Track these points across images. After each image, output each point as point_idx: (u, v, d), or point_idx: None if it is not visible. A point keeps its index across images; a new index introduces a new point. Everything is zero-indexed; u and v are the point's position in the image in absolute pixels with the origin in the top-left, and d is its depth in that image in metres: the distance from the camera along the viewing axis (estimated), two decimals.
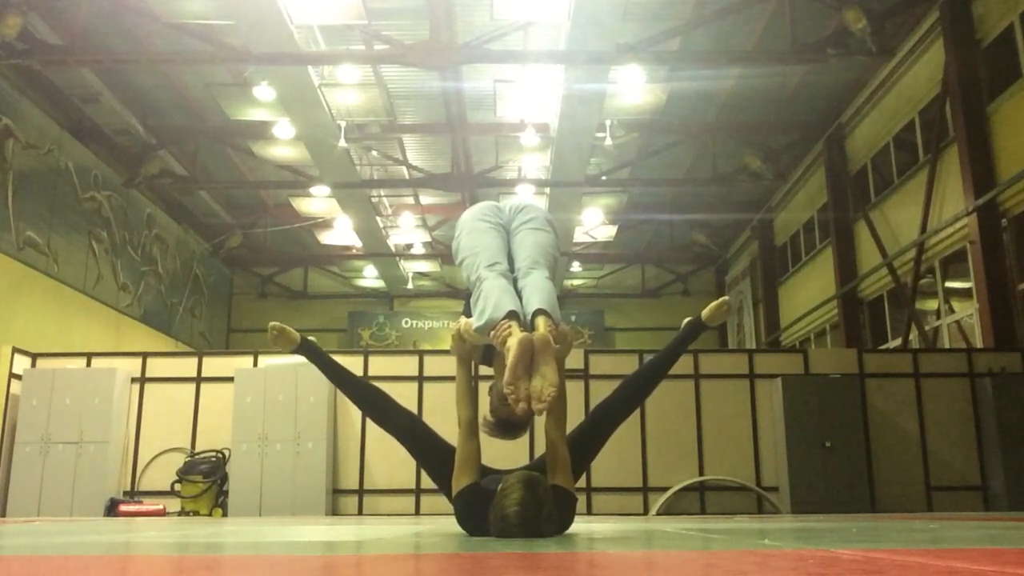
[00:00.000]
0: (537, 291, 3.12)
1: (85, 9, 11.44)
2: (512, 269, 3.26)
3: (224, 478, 10.39)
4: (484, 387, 3.58)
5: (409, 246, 21.05)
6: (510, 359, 2.88)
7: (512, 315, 2.99)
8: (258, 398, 10.42)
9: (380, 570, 1.97)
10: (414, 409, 10.71)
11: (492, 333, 3.02)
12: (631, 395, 3.76)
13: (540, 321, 3.00)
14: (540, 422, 3.40)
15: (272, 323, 3.65)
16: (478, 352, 3.51)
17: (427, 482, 10.40)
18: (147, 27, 12.26)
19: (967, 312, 11.92)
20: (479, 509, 3.25)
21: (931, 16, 11.90)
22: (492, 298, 3.08)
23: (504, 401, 3.20)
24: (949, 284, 12.61)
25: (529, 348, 2.89)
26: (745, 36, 12.58)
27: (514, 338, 2.91)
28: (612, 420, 3.67)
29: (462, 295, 3.95)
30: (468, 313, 3.51)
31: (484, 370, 3.78)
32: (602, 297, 23.69)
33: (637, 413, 10.64)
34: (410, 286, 23.30)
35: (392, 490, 10.56)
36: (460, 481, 3.37)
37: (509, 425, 3.31)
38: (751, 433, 10.66)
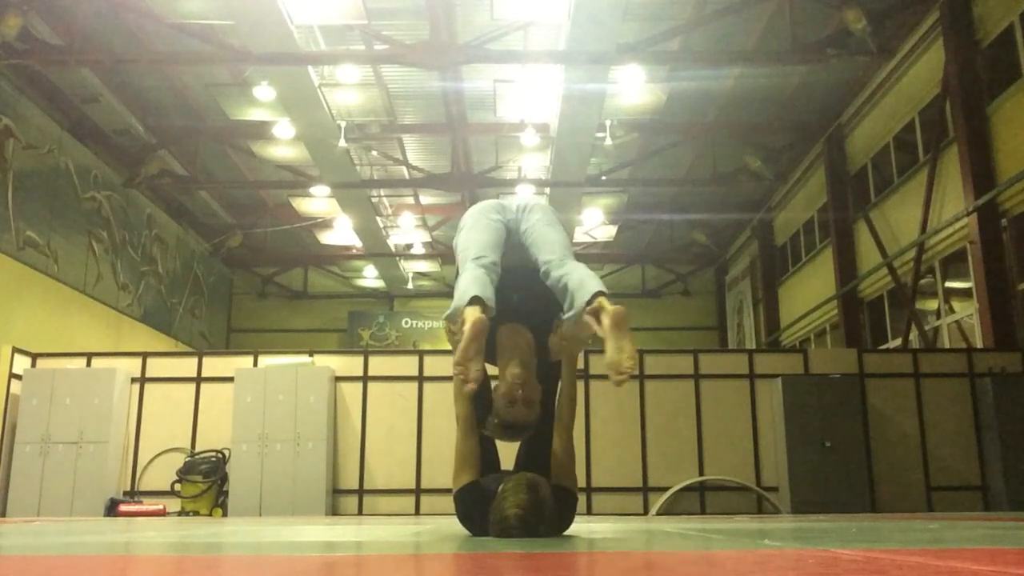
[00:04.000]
0: (589, 276, 3.11)
1: (85, 9, 11.44)
2: (497, 263, 3.23)
3: (224, 478, 10.39)
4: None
5: (409, 246, 21.05)
6: (463, 339, 2.88)
7: (475, 300, 2.99)
8: (258, 398, 10.42)
9: (380, 570, 1.97)
10: (414, 410, 10.71)
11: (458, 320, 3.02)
12: None
13: (605, 300, 3.00)
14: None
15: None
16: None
17: (427, 482, 10.43)
18: (147, 27, 12.26)
19: (967, 312, 11.92)
20: (479, 508, 3.25)
21: (931, 16, 11.90)
22: (461, 287, 3.08)
23: (510, 403, 3.19)
24: (949, 284, 12.61)
25: (483, 330, 2.89)
26: (745, 36, 12.58)
27: (468, 318, 2.91)
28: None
29: None
30: None
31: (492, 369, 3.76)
32: None
33: (637, 413, 10.65)
34: (410, 286, 23.30)
35: (392, 490, 10.56)
36: (460, 479, 3.37)
37: (512, 427, 3.30)
38: (751, 433, 10.66)
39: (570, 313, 3.08)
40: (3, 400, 10.42)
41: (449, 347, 3.62)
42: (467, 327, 2.90)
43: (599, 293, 3.01)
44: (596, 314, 2.97)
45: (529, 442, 3.47)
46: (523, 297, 3.44)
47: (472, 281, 3.08)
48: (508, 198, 3.98)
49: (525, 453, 3.54)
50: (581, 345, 3.47)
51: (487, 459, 3.51)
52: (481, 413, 3.38)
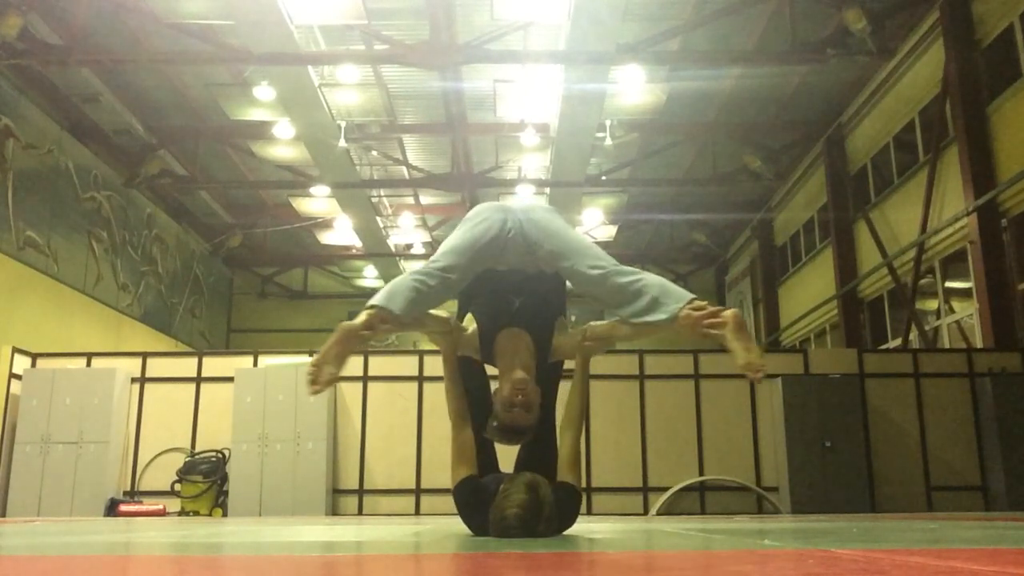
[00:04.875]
0: (669, 283, 3.20)
1: (85, 9, 11.43)
2: (450, 267, 3.25)
3: (224, 478, 10.39)
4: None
5: (409, 246, 21.04)
6: (328, 341, 2.97)
7: (371, 307, 3.06)
8: (258, 398, 10.42)
9: (380, 570, 1.98)
10: (414, 410, 10.70)
11: None
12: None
13: (702, 303, 3.08)
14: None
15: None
16: (470, 347, 3.52)
17: (427, 482, 10.42)
18: (147, 27, 12.25)
19: (967, 312, 11.91)
20: (477, 505, 3.27)
21: (931, 16, 11.90)
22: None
23: (510, 407, 3.22)
24: (949, 284, 12.61)
25: (349, 338, 2.97)
26: (745, 36, 12.57)
27: (344, 325, 3.02)
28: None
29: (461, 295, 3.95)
30: (460, 315, 3.59)
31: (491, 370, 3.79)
32: None
33: (637, 413, 10.65)
34: None
35: (392, 490, 10.56)
36: (457, 473, 3.41)
37: (511, 431, 3.32)
38: (751, 433, 10.66)
39: (657, 317, 3.11)
40: (3, 400, 10.42)
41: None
42: (334, 333, 2.98)
43: (695, 298, 3.11)
44: (699, 318, 3.03)
45: (529, 444, 3.48)
46: (523, 301, 3.46)
47: (388, 287, 3.14)
48: (509, 199, 4.03)
49: (525, 454, 3.55)
50: (605, 347, 3.54)
51: (486, 460, 3.52)
52: (481, 417, 3.40)
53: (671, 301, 3.10)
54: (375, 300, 3.07)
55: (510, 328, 3.42)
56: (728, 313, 3.02)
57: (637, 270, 3.26)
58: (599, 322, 3.56)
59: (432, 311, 3.45)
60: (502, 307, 3.45)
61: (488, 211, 3.49)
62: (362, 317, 3.03)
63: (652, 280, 3.19)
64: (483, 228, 3.37)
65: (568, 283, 3.55)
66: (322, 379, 2.93)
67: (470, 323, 3.52)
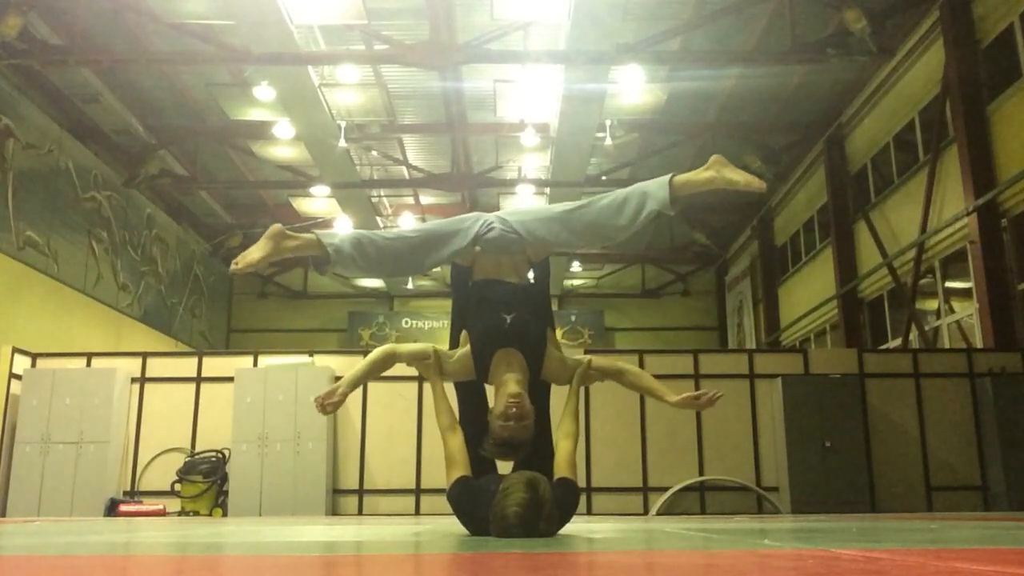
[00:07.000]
0: (646, 182, 3.52)
1: (85, 9, 11.43)
2: (408, 231, 3.69)
3: (224, 478, 10.39)
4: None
5: None
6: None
7: (312, 232, 3.55)
8: (258, 398, 10.42)
9: (380, 570, 1.98)
10: (413, 411, 10.69)
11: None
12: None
13: (681, 176, 3.50)
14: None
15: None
16: (464, 370, 3.63)
17: (427, 482, 10.42)
18: (147, 27, 12.25)
19: (967, 312, 11.92)
20: (472, 505, 3.31)
21: (931, 16, 11.90)
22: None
23: (505, 421, 3.29)
24: (949, 284, 12.61)
25: (277, 237, 3.44)
26: (745, 36, 12.57)
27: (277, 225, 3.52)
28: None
29: None
30: (454, 342, 3.75)
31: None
32: (602, 297, 23.68)
33: (637, 413, 10.64)
34: (410, 286, 23.28)
35: (392, 490, 10.56)
36: (451, 474, 3.49)
37: (507, 444, 3.38)
38: (751, 433, 10.66)
39: (652, 205, 3.41)
40: (3, 400, 10.42)
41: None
42: (269, 228, 3.48)
43: (674, 175, 3.46)
44: (687, 183, 3.44)
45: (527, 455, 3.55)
46: (514, 318, 3.54)
47: (344, 231, 3.57)
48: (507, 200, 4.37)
49: (523, 457, 3.58)
50: (602, 380, 3.80)
51: (486, 467, 3.58)
52: (479, 436, 3.46)
53: (655, 189, 3.42)
54: (320, 231, 3.47)
55: (504, 349, 3.52)
56: (711, 159, 3.42)
57: (612, 190, 3.57)
58: (605, 359, 3.84)
59: (408, 347, 3.72)
60: (494, 325, 3.55)
61: (468, 216, 3.78)
62: (312, 236, 3.46)
63: (630, 188, 3.50)
64: (460, 217, 3.70)
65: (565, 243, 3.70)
66: (244, 262, 3.43)
67: (465, 342, 3.60)
